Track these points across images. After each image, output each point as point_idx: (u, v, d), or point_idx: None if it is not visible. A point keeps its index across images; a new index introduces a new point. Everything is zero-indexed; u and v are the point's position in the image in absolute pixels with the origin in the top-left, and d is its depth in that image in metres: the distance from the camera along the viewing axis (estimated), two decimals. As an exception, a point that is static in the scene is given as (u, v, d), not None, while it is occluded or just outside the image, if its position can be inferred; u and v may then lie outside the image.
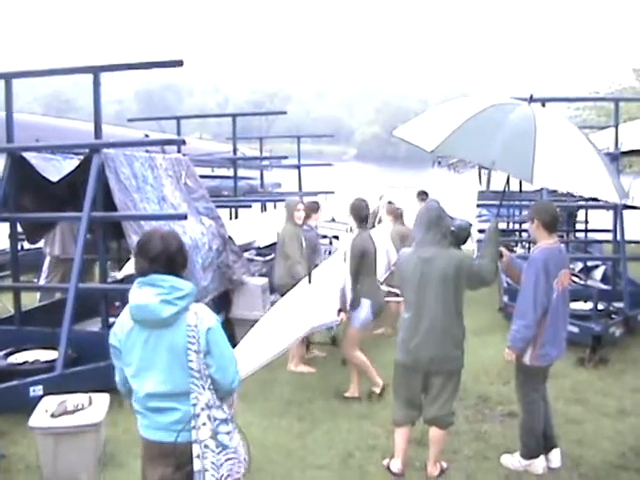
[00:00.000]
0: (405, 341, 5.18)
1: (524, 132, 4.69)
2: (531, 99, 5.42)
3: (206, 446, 3.23)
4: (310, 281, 7.10)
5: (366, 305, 6.79)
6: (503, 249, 5.54)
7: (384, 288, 8.04)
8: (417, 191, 11.63)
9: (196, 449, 3.23)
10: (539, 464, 5.45)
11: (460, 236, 5.34)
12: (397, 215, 9.93)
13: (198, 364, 3.25)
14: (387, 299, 8.04)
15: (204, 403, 3.25)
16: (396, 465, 5.37)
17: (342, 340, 7.32)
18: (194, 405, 3.24)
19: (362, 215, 6.99)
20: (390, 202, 10.63)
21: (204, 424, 3.24)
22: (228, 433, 3.32)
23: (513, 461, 5.56)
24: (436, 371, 5.13)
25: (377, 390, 7.05)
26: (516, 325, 5.22)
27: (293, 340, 6.43)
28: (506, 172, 5.39)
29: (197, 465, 3.22)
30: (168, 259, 3.35)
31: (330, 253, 10.56)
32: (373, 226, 10.46)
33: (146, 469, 3.50)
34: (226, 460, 3.27)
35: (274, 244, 11.81)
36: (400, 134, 5.21)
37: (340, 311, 6.86)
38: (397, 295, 8.65)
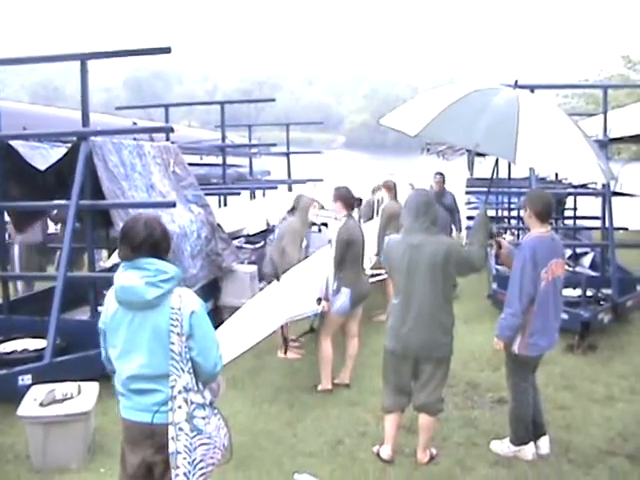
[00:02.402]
0: (394, 328, 5.18)
1: (507, 114, 4.68)
2: (516, 85, 5.41)
3: (180, 429, 3.25)
4: (279, 280, 7.10)
5: (345, 293, 6.72)
6: (502, 240, 5.59)
7: (369, 272, 7.99)
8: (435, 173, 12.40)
9: (171, 431, 3.25)
10: (528, 450, 5.47)
11: None
12: (389, 187, 9.86)
13: (179, 347, 3.27)
14: (373, 280, 8.01)
15: (182, 386, 3.27)
16: (386, 452, 5.39)
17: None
18: (172, 387, 3.26)
19: (350, 202, 6.93)
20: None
21: (180, 407, 3.26)
22: (204, 418, 3.33)
23: (503, 447, 5.58)
24: (425, 358, 5.13)
25: (320, 388, 6.96)
26: (504, 313, 5.23)
27: (270, 330, 6.41)
28: (489, 153, 5.39)
29: (172, 447, 3.25)
30: (152, 246, 3.39)
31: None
32: (372, 217, 10.45)
33: (127, 453, 3.53)
34: (200, 445, 3.29)
35: (263, 232, 11.83)
36: (386, 122, 5.19)
37: (320, 300, 6.80)
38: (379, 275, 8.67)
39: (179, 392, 3.26)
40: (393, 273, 5.25)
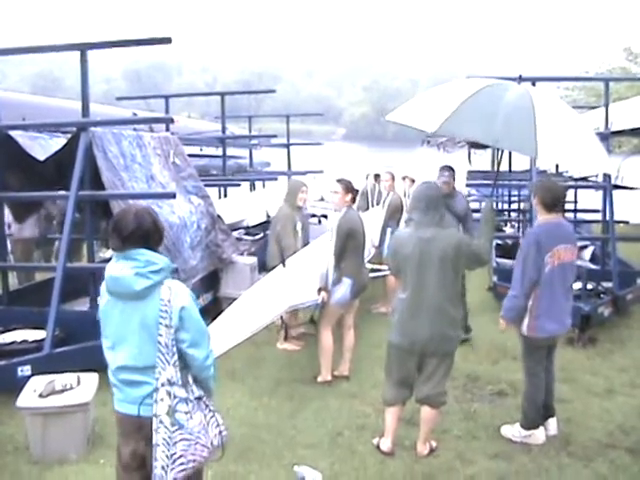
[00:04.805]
0: (402, 322, 5.14)
1: (523, 109, 4.70)
2: (520, 79, 5.42)
3: (161, 421, 3.24)
4: (284, 265, 7.08)
5: (346, 284, 6.69)
6: None
7: (369, 266, 7.97)
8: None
9: (154, 423, 3.25)
10: (539, 434, 5.57)
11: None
12: (394, 178, 10.01)
13: (166, 338, 3.27)
14: (372, 275, 7.99)
15: (165, 378, 3.26)
16: (386, 444, 5.38)
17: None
18: (157, 379, 3.26)
19: (351, 193, 6.89)
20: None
21: (162, 399, 3.25)
22: (187, 413, 3.31)
23: (513, 432, 5.67)
24: (433, 352, 5.12)
25: (320, 379, 6.96)
26: (508, 295, 5.47)
27: (270, 318, 6.40)
28: (509, 149, 5.43)
29: (153, 439, 3.25)
30: (142, 237, 3.37)
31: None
32: (367, 207, 10.43)
33: (121, 444, 3.54)
34: (181, 440, 3.26)
35: (263, 223, 11.83)
36: (394, 118, 5.14)
37: (320, 290, 6.78)
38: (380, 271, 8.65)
39: (162, 384, 3.26)
40: (402, 267, 5.18)
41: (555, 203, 5.42)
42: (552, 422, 5.73)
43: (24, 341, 6.75)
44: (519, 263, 5.38)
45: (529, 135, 4.52)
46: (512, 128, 4.62)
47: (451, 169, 8.74)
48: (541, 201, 5.40)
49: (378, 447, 5.43)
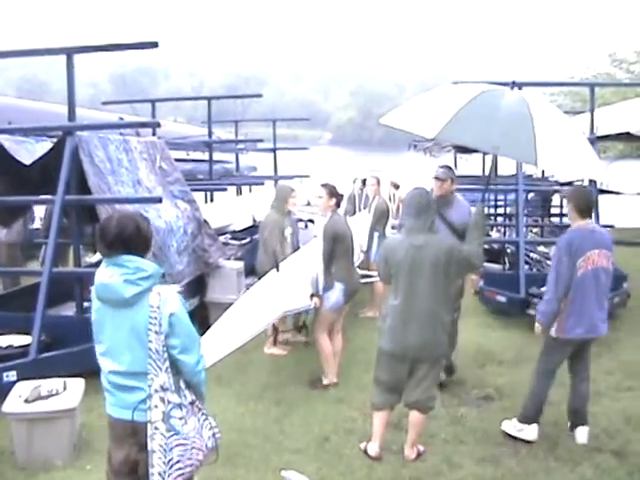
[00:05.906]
0: (394, 329, 5.13)
1: (521, 116, 4.72)
2: (513, 84, 5.42)
3: (156, 428, 3.25)
4: (278, 270, 7.08)
5: (338, 288, 6.72)
6: None
7: (359, 271, 7.99)
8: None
9: (149, 429, 3.26)
10: (531, 431, 5.66)
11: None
12: (380, 183, 10.15)
13: (157, 345, 3.27)
14: (363, 281, 8.01)
15: (158, 385, 3.26)
16: (373, 448, 5.38)
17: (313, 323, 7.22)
18: (149, 386, 3.27)
19: (336, 198, 6.90)
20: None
21: (156, 406, 3.26)
22: (181, 418, 3.32)
23: (510, 425, 5.79)
24: (424, 358, 5.14)
25: (326, 382, 6.97)
26: (543, 299, 5.62)
27: (264, 325, 6.41)
28: (509, 157, 5.45)
29: (149, 445, 3.26)
30: (124, 243, 3.37)
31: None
32: (354, 212, 10.46)
33: (112, 449, 3.54)
34: (177, 445, 3.28)
35: (250, 227, 11.82)
36: (389, 122, 5.10)
37: (312, 296, 6.79)
38: (370, 277, 8.66)
39: (155, 391, 3.26)
40: (393, 273, 5.17)
41: (589, 209, 5.57)
42: (580, 431, 5.74)
43: (9, 346, 6.70)
44: (553, 268, 5.47)
45: (528, 142, 4.53)
46: (511, 136, 4.63)
47: (449, 168, 7.41)
48: (576, 207, 5.49)
49: (365, 451, 5.42)
